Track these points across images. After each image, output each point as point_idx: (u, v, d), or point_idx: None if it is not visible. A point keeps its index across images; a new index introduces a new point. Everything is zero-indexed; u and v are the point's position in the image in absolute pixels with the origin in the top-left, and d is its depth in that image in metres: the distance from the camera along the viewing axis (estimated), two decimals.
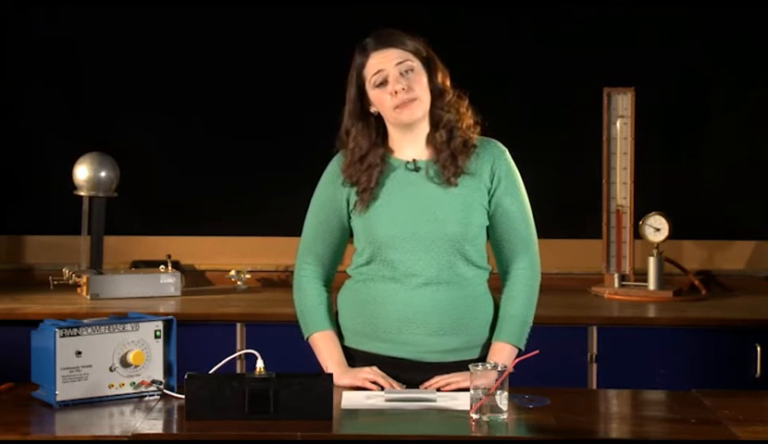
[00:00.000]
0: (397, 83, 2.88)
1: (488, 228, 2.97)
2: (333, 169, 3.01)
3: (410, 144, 2.96)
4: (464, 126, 2.94)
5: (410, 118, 2.91)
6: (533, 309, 2.99)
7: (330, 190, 3.00)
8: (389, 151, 2.96)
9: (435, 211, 2.90)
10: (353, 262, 3.00)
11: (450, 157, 2.91)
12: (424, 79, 2.91)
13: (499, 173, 2.95)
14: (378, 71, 2.89)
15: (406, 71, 2.89)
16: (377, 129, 2.96)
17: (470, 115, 2.97)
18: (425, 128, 2.96)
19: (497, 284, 3.01)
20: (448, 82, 2.97)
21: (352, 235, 3.02)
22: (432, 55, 2.95)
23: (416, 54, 2.91)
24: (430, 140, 2.95)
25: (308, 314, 3.00)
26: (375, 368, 2.91)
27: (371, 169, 2.92)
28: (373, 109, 2.95)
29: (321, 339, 2.98)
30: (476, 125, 2.97)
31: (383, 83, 2.89)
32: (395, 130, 2.96)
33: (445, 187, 2.91)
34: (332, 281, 3.06)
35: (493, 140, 3.00)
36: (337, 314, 3.04)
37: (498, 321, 2.97)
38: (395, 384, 2.88)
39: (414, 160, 2.95)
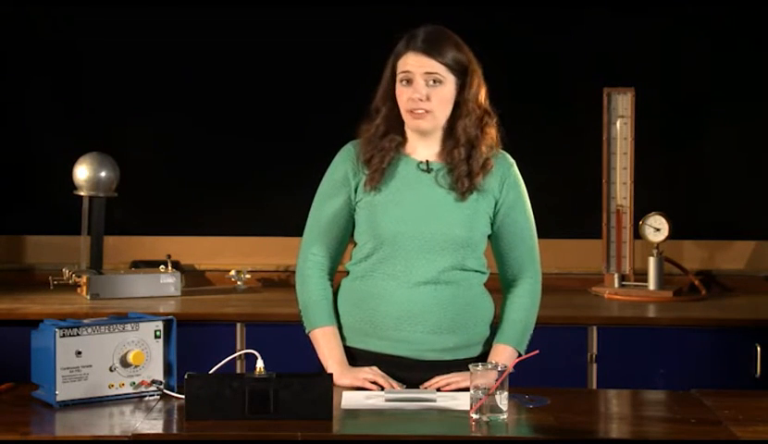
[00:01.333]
0: (416, 92, 2.88)
1: (490, 236, 2.98)
2: (342, 157, 3.00)
3: (423, 147, 2.97)
4: (484, 146, 2.93)
5: (416, 128, 2.93)
6: (535, 317, 3.01)
7: (341, 172, 2.98)
8: (405, 140, 2.97)
9: (442, 214, 2.90)
10: (353, 257, 2.99)
11: (467, 175, 2.91)
12: (448, 93, 2.90)
13: (508, 185, 2.96)
14: (407, 71, 2.90)
15: (433, 82, 2.89)
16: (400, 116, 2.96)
17: (494, 134, 2.96)
18: (437, 136, 2.96)
19: (495, 285, 3.01)
20: (481, 98, 2.95)
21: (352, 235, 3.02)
22: (474, 70, 2.93)
23: (453, 67, 2.90)
24: (447, 151, 2.94)
25: (311, 309, 2.99)
26: (375, 368, 2.91)
27: (384, 152, 2.93)
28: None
29: (323, 335, 2.97)
30: (499, 145, 2.97)
31: (408, 82, 2.90)
32: (409, 130, 2.97)
33: (455, 196, 2.92)
34: (335, 274, 3.05)
35: (502, 151, 3.00)
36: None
37: (499, 324, 2.98)
38: (395, 384, 2.88)
39: (426, 161, 2.96)
